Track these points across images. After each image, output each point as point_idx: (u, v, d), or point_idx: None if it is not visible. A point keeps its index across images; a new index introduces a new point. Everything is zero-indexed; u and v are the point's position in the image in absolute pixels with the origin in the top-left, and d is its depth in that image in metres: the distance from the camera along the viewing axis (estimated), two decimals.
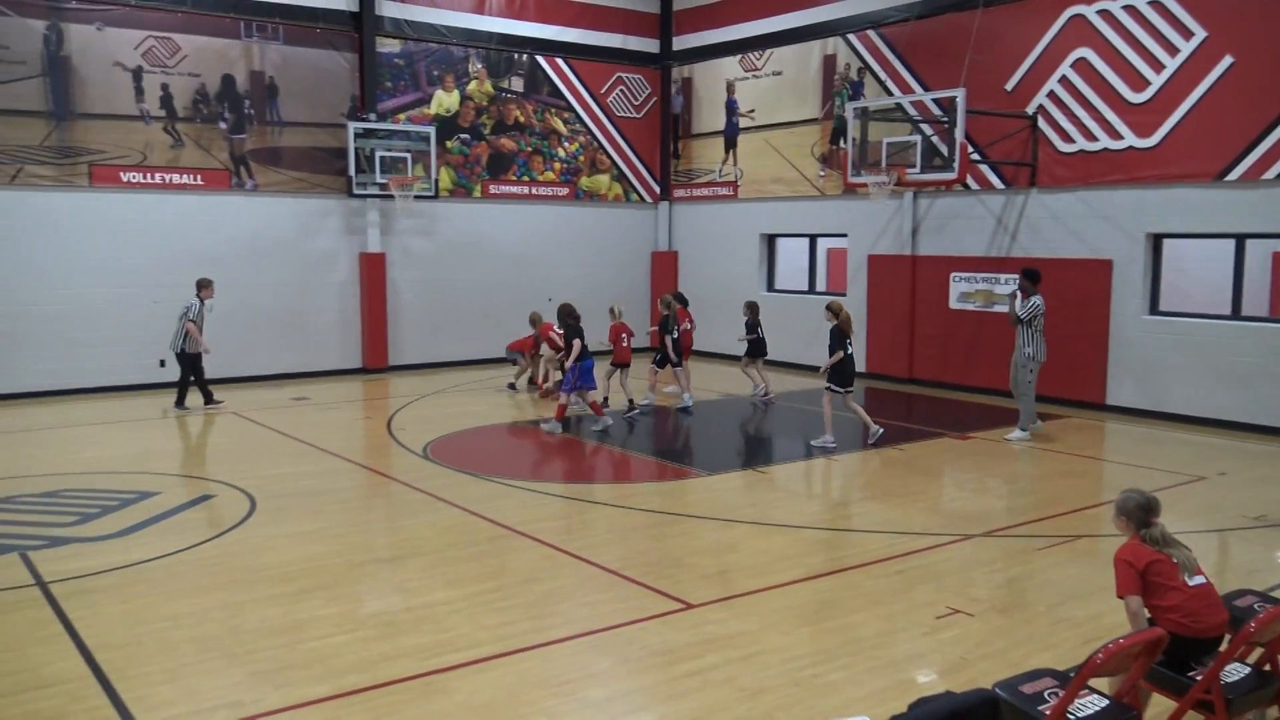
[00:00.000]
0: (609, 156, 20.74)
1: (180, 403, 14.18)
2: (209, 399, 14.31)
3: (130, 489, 9.70)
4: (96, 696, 5.30)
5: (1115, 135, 13.91)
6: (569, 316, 13.03)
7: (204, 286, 14.08)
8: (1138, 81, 13.61)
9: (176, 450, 12.15)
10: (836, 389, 11.74)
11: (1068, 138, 14.44)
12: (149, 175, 15.85)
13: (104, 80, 15.38)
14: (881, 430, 12.00)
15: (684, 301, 15.87)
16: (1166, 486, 9.86)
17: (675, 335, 14.31)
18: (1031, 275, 12.24)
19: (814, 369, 17.22)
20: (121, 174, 15.62)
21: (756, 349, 15.21)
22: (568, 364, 12.93)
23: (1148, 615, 4.56)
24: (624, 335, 13.79)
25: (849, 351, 11.67)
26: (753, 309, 15.25)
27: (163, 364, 15.48)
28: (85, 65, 15.22)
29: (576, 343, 12.71)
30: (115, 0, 15.28)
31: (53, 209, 15.11)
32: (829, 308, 11.84)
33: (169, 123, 15.98)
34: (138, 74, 15.64)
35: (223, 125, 16.44)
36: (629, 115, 20.92)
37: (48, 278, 15.06)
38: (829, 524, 8.84)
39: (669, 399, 14.98)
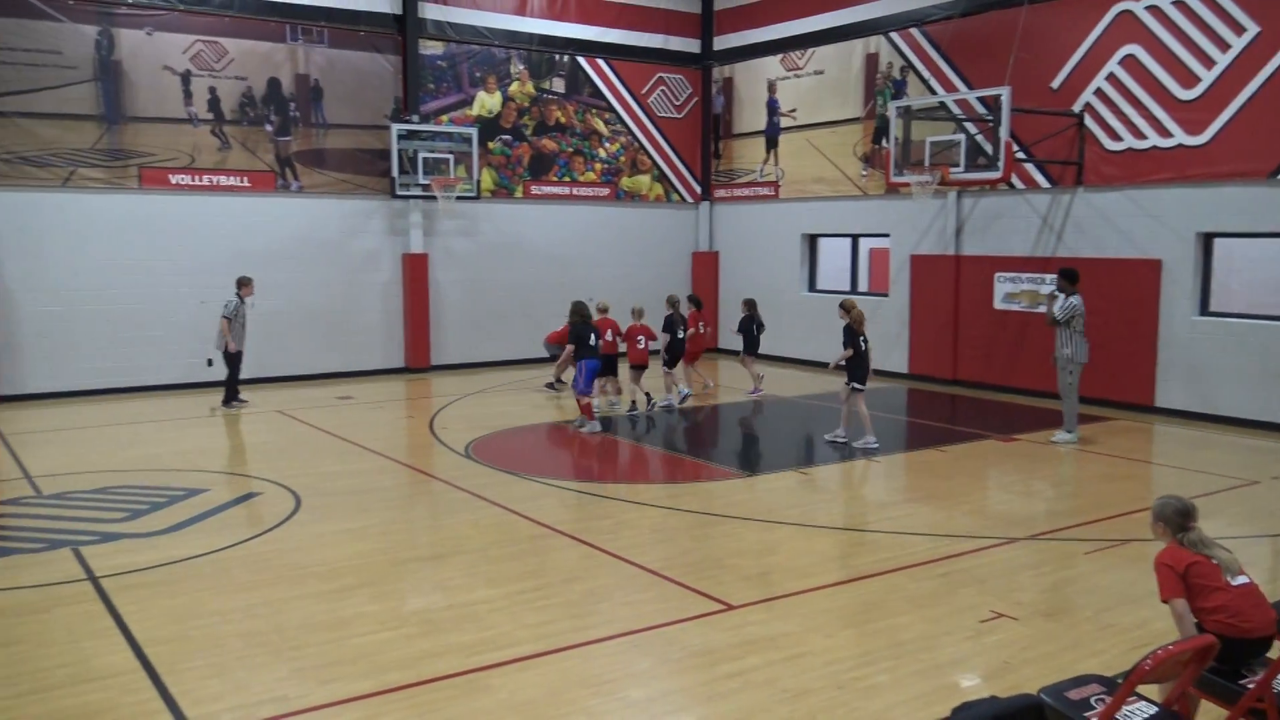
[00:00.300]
0: (650, 157, 20.75)
1: (227, 401, 14.41)
2: (234, 398, 14.51)
3: (179, 486, 9.86)
4: (146, 690, 5.39)
5: (1164, 133, 13.68)
6: (574, 314, 13.06)
7: (244, 285, 14.30)
8: (1188, 78, 13.38)
9: (224, 448, 12.33)
10: (859, 386, 11.70)
11: (1115, 136, 14.23)
12: (197, 177, 16.11)
13: (153, 84, 15.66)
14: (846, 440, 11.84)
15: (698, 304, 15.92)
16: (1217, 491, 9.69)
17: (681, 336, 14.39)
18: (1069, 275, 12.02)
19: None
20: (170, 176, 15.89)
21: (750, 345, 15.69)
22: (561, 361, 12.99)
23: (1194, 620, 4.49)
24: (640, 336, 13.83)
25: (863, 349, 11.65)
26: (750, 305, 15.69)
27: (210, 363, 15.72)
28: (135, 69, 15.50)
29: (572, 346, 12.84)
30: (164, 5, 15.55)
31: (104, 210, 15.40)
32: (841, 305, 11.91)
33: (216, 125, 16.23)
34: (186, 78, 15.90)
35: (268, 127, 16.67)
36: (670, 115, 20.92)
37: (99, 278, 15.35)
38: (871, 526, 8.78)
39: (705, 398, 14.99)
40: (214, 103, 16.16)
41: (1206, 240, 13.53)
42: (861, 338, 11.68)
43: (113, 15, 15.23)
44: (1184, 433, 12.89)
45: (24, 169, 14.81)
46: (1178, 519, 4.67)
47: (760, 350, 16.04)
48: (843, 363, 11.81)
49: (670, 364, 14.45)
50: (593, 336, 12.81)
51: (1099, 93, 14.34)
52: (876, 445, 11.62)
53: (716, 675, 5.57)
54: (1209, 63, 13.14)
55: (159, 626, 6.27)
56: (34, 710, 5.16)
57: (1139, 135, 13.96)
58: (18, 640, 6.06)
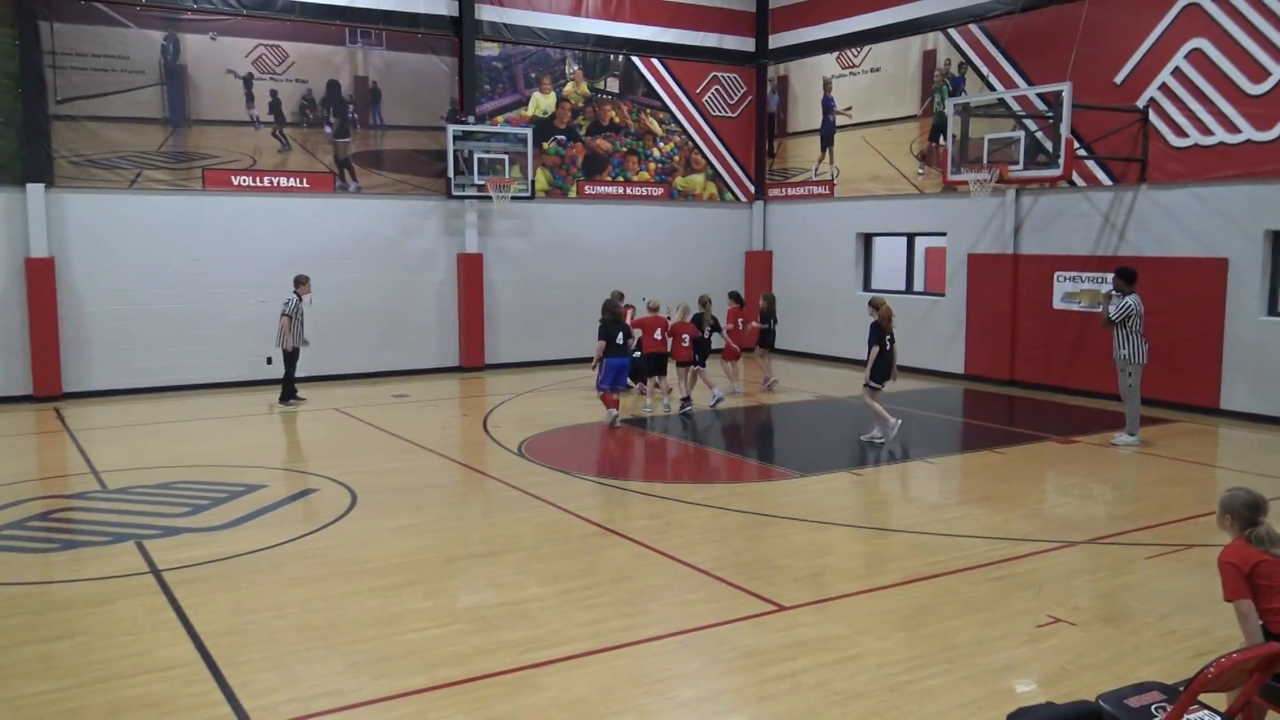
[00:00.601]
0: (704, 156, 20.71)
1: (284, 398, 14.66)
2: (291, 395, 14.73)
3: (238, 482, 10.04)
4: (205, 681, 5.50)
5: (1232, 128, 13.34)
6: (603, 311, 13.31)
7: (301, 283, 14.53)
8: (1257, 72, 13.03)
9: (281, 445, 12.54)
10: (876, 385, 11.79)
11: (1181, 132, 13.91)
12: (258, 179, 16.40)
13: (217, 88, 15.98)
14: (883, 440, 11.84)
15: (739, 301, 16.02)
16: None
17: (704, 335, 14.56)
18: (1125, 275, 11.81)
19: (915, 371, 16.98)
20: (232, 178, 16.20)
21: (766, 339, 16.33)
22: (595, 360, 13.24)
23: (1260, 622, 4.37)
24: (684, 335, 13.95)
25: (888, 347, 11.68)
26: (769, 300, 16.34)
27: (269, 361, 16.00)
28: (200, 73, 15.83)
29: (601, 342, 13.01)
30: (228, 10, 15.86)
31: (168, 212, 15.74)
32: (870, 303, 11.97)
33: (277, 128, 16.51)
34: (248, 81, 16.20)
35: (328, 129, 16.92)
36: (724, 115, 20.86)
37: (163, 278, 15.70)
38: (926, 528, 8.67)
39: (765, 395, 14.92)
40: (275, 105, 16.45)
41: (1276, 238, 13.16)
42: (888, 336, 11.69)
43: (178, 21, 15.58)
44: (1250, 436, 12.56)
45: (92, 171, 15.20)
46: (1246, 512, 4.52)
47: (812, 350, 16.02)
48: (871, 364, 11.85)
49: (699, 361, 14.42)
50: (620, 335, 13.01)
51: (1164, 88, 14.03)
52: (900, 420, 11.87)
53: (767, 676, 5.54)
54: (1279, 55, 12.79)
55: (218, 619, 6.39)
56: (99, 699, 5.29)
57: (1205, 131, 13.63)
58: (83, 631, 6.22)
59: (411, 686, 5.41)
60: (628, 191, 19.91)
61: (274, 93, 16.41)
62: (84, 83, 15.04)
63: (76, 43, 14.93)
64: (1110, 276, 14.36)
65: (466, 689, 5.40)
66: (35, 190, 14.72)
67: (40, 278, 14.77)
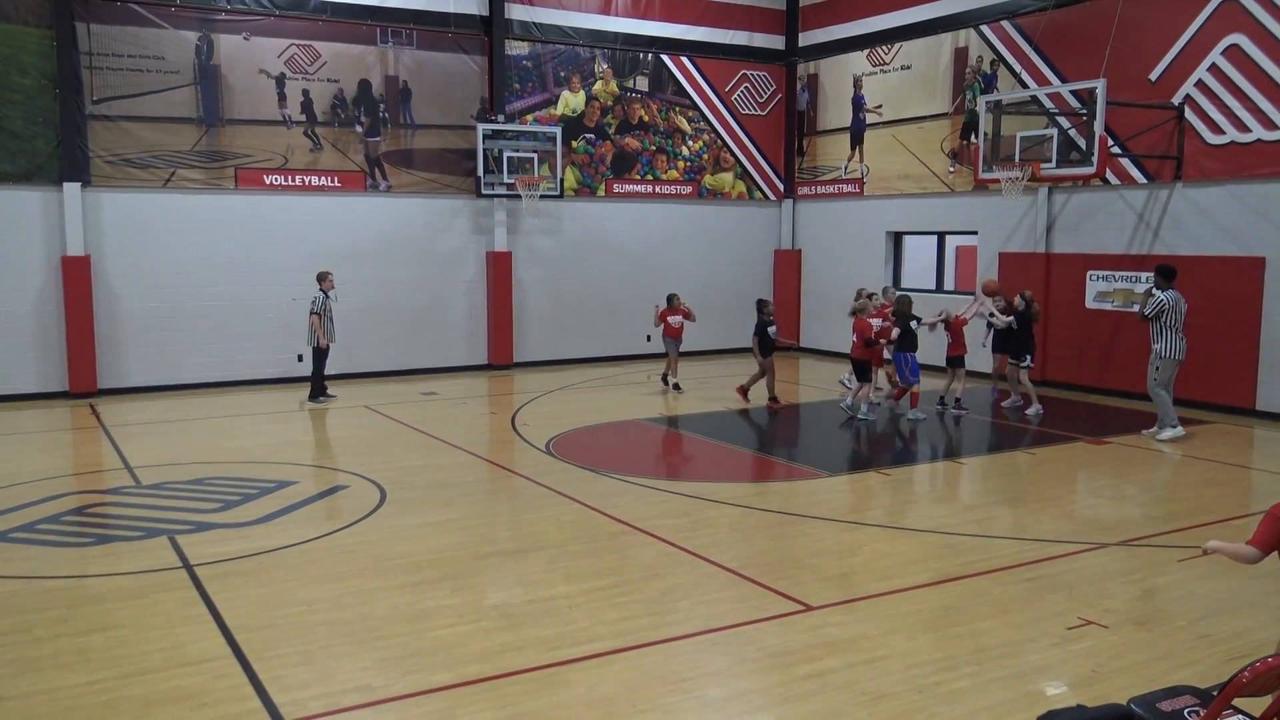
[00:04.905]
0: (733, 154, 20.66)
1: (314, 396, 14.77)
2: (321, 393, 14.83)
3: (270, 478, 10.14)
4: (236, 675, 5.55)
5: (1270, 125, 13.15)
6: (898, 305, 14.13)
7: (323, 279, 14.61)
8: None
9: (312, 442, 12.64)
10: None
11: (1217, 129, 13.72)
12: (290, 178, 16.54)
13: (250, 87, 16.12)
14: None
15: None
16: None
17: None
18: (1164, 272, 12.04)
19: (943, 369, 16.83)
20: (265, 177, 16.34)
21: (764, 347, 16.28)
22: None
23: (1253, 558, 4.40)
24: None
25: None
26: (760, 306, 15.92)
27: (300, 358, 16.14)
28: (233, 73, 15.98)
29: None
30: (261, 10, 16.00)
31: (201, 210, 15.91)
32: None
33: (309, 127, 16.64)
34: (281, 81, 16.34)
35: (359, 129, 17.03)
36: (753, 113, 20.80)
37: (197, 276, 15.87)
38: (955, 528, 8.61)
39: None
40: (307, 105, 16.58)
41: None
42: None
43: (213, 21, 15.74)
44: None
45: (128, 170, 15.38)
46: None
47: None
48: None
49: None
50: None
51: (1200, 84, 13.85)
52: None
53: (794, 676, 5.53)
54: None
55: (250, 614, 6.45)
56: (133, 692, 5.36)
57: (1242, 128, 13.44)
58: (118, 624, 6.30)
59: (440, 683, 5.44)
60: (656, 190, 19.90)
61: (306, 92, 16.54)
62: (120, 83, 15.23)
63: (113, 43, 15.11)
64: (1144, 275, 14.29)
65: (494, 686, 5.42)
66: (72, 189, 14.92)
67: (76, 275, 14.97)
